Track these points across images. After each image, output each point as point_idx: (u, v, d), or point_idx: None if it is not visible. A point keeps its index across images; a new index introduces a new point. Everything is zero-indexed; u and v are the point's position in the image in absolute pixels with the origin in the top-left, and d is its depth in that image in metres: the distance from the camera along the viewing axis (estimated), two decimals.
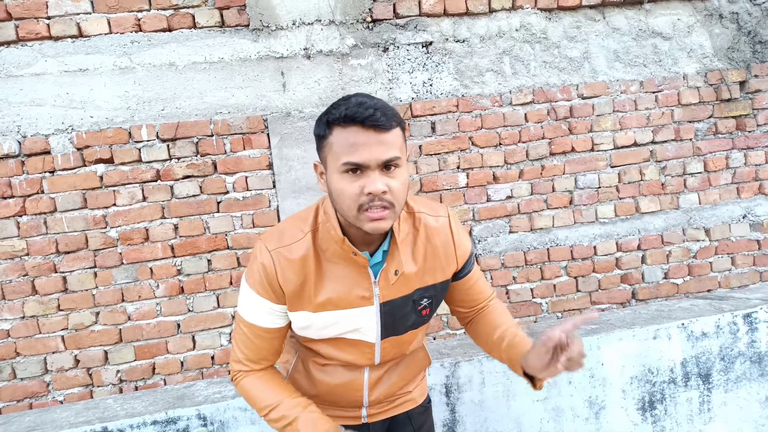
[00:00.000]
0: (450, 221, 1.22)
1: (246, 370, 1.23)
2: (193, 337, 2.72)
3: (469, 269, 1.29)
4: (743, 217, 3.21)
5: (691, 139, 3.14)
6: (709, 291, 3.20)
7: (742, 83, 3.17)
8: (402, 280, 1.17)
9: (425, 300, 1.22)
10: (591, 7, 2.99)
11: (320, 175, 1.11)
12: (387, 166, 1.02)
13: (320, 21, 2.73)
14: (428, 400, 1.48)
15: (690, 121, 3.14)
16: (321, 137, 1.06)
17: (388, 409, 1.37)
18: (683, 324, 2.00)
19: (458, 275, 1.28)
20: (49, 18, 2.50)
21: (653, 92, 3.10)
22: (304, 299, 1.15)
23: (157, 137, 2.63)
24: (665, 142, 3.12)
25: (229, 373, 1.28)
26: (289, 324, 1.23)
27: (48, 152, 2.55)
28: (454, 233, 1.22)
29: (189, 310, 2.71)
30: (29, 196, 2.55)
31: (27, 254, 2.56)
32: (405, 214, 1.19)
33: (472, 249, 1.27)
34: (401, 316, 1.21)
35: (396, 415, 1.39)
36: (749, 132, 3.18)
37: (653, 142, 3.11)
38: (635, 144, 3.09)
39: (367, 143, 0.99)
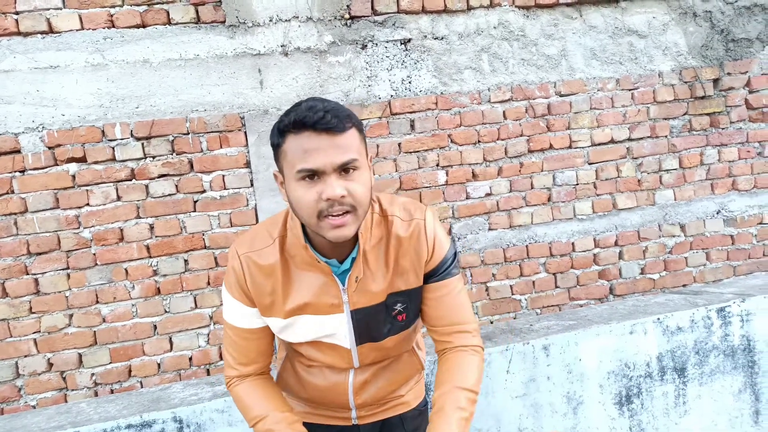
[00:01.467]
0: (425, 223, 1.16)
1: (239, 375, 1.22)
2: (170, 338, 2.68)
3: (441, 276, 1.19)
4: (717, 213, 3.27)
5: (666, 136, 3.19)
6: (684, 286, 3.25)
7: (715, 81, 3.22)
8: (371, 288, 1.14)
9: (399, 305, 1.18)
10: (568, 5, 3.01)
11: (280, 185, 1.08)
12: (345, 169, 0.98)
13: (297, 17, 2.70)
14: (424, 404, 1.44)
15: (665, 119, 3.18)
16: (276, 146, 1.03)
17: (378, 411, 1.34)
18: (659, 319, 2.03)
19: (430, 277, 1.19)
20: (17, 13, 2.44)
21: (629, 90, 3.13)
22: (274, 305, 1.14)
23: (132, 135, 2.58)
24: (641, 139, 3.16)
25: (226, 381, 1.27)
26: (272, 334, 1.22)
27: (18, 151, 2.49)
28: (428, 234, 1.15)
29: (165, 311, 2.67)
30: None
31: None
32: (378, 217, 1.16)
33: (448, 254, 1.19)
34: (376, 323, 1.18)
35: (388, 417, 1.36)
36: (723, 129, 3.24)
37: (630, 139, 3.15)
38: (612, 141, 3.12)
39: (321, 147, 0.96)
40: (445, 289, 1.20)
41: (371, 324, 1.17)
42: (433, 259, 1.17)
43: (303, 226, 1.10)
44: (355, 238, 1.11)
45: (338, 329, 1.17)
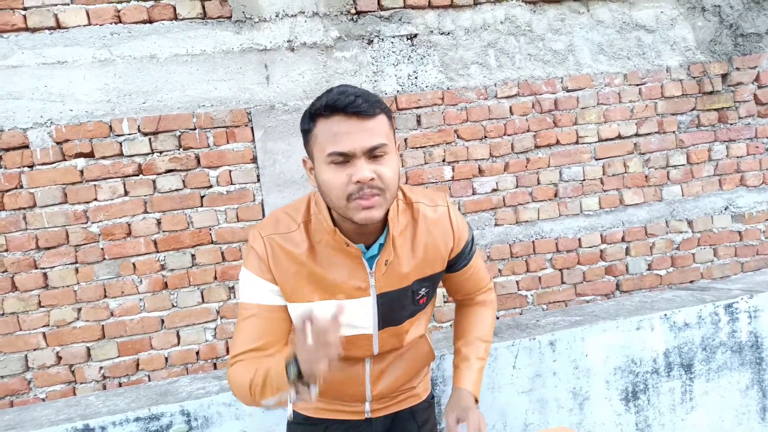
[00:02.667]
0: (449, 210, 1.22)
1: (240, 359, 1.13)
2: (178, 332, 2.70)
3: (465, 261, 1.28)
4: (725, 209, 3.25)
5: (674, 132, 3.17)
6: (691, 282, 3.24)
7: (724, 76, 3.19)
8: (399, 272, 1.16)
9: (423, 290, 1.22)
10: None
11: (309, 170, 1.10)
12: (374, 154, 1.00)
13: (304, 13, 2.70)
14: (432, 396, 1.48)
15: (673, 114, 3.16)
16: (306, 131, 1.06)
17: (391, 404, 1.36)
18: (666, 315, 2.03)
19: (454, 267, 1.28)
20: (25, 9, 2.45)
21: (637, 85, 3.11)
22: (297, 289, 1.14)
23: (139, 131, 2.59)
24: (649, 134, 3.14)
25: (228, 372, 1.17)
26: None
27: (26, 146, 2.50)
28: (453, 223, 1.21)
29: (173, 306, 2.68)
30: (7, 191, 2.50)
31: (6, 250, 2.51)
32: (403, 205, 1.19)
33: (469, 238, 1.26)
34: (399, 308, 1.20)
35: (399, 410, 1.38)
36: (731, 124, 3.22)
37: (637, 135, 3.13)
38: (619, 136, 3.11)
39: (351, 131, 0.98)
40: (469, 271, 1.31)
41: (395, 307, 1.20)
42: (458, 246, 1.24)
43: (329, 212, 1.11)
44: (382, 224, 1.13)
45: (362, 314, 1.18)
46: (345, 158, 0.99)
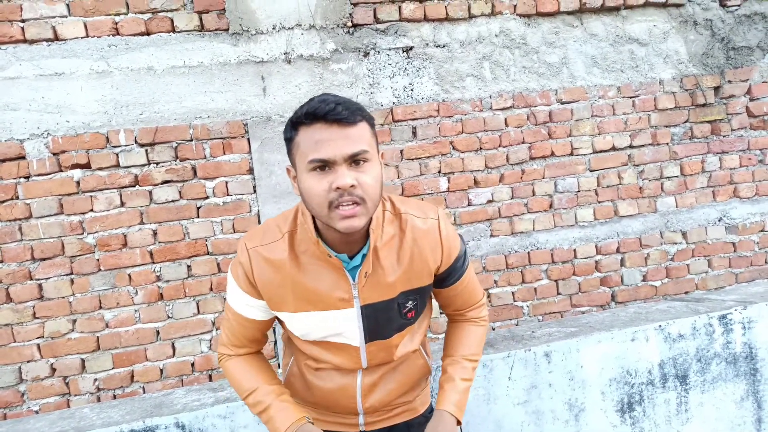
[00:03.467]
0: (440, 223, 1.20)
1: (230, 354, 1.28)
2: (173, 344, 2.69)
3: (456, 277, 1.26)
4: (719, 220, 3.27)
5: (667, 144, 3.20)
6: (686, 293, 3.25)
7: (716, 88, 3.23)
8: (384, 283, 1.16)
9: (410, 302, 1.21)
10: (569, 13, 3.03)
11: (293, 179, 1.11)
12: (355, 161, 1.01)
13: (300, 25, 2.72)
14: (430, 410, 1.44)
15: (666, 126, 3.19)
16: (289, 140, 1.07)
17: (386, 417, 1.34)
18: (660, 326, 2.03)
19: (444, 282, 1.26)
20: (23, 21, 2.46)
21: (630, 97, 3.14)
22: (282, 299, 1.16)
23: (136, 142, 2.60)
24: (642, 146, 3.17)
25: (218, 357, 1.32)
26: (273, 319, 1.26)
27: (23, 157, 2.51)
28: (442, 235, 1.19)
29: (168, 317, 2.68)
30: (3, 202, 2.50)
31: (1, 261, 2.51)
32: (391, 215, 1.18)
33: (460, 253, 1.24)
34: (385, 320, 1.19)
35: (395, 424, 1.36)
36: (724, 136, 3.25)
37: (631, 147, 3.16)
38: (613, 148, 3.13)
39: (332, 138, 0.99)
40: (461, 287, 1.29)
41: (381, 320, 1.19)
42: (447, 260, 1.22)
43: (314, 222, 1.12)
44: (365, 234, 1.13)
45: (347, 325, 1.18)
46: (326, 165, 1.00)
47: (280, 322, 1.26)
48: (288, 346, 1.38)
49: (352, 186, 0.99)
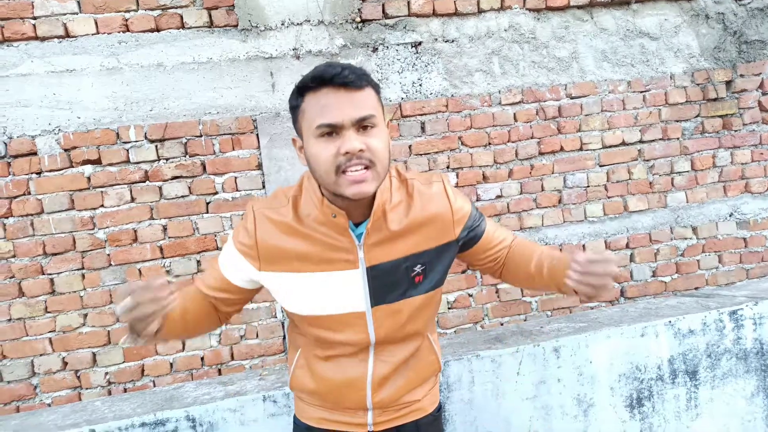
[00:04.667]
0: (444, 186, 1.20)
1: (198, 285, 1.24)
2: None
3: (480, 232, 1.26)
4: (730, 216, 3.24)
5: (678, 138, 3.17)
6: (696, 289, 3.23)
7: (728, 83, 3.20)
8: (391, 244, 1.15)
9: (419, 266, 1.19)
10: (579, 7, 3.00)
11: (299, 149, 1.10)
12: (363, 126, 1.01)
13: (309, 21, 2.73)
14: (438, 409, 1.42)
15: (677, 121, 3.17)
16: (295, 107, 1.06)
17: (395, 417, 1.31)
18: (670, 321, 2.02)
19: (471, 241, 1.25)
20: (35, 18, 2.48)
21: (641, 92, 3.12)
22: (284, 260, 1.15)
23: (146, 138, 2.62)
24: (653, 141, 3.15)
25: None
26: (245, 298, 1.26)
27: (35, 153, 2.53)
28: (450, 198, 1.19)
29: None
30: (16, 197, 2.52)
31: (14, 256, 2.54)
32: (397, 182, 1.19)
33: (472, 212, 1.24)
34: (392, 283, 1.17)
35: (403, 424, 1.33)
36: (735, 131, 3.22)
37: (641, 141, 3.14)
38: (623, 143, 3.11)
39: (339, 103, 0.99)
40: (488, 241, 1.28)
41: (386, 282, 1.17)
42: (459, 221, 1.21)
43: (321, 190, 1.11)
44: (371, 203, 1.12)
45: (352, 287, 1.16)
46: (333, 130, 0.99)
47: (286, 311, 1.25)
48: (293, 340, 1.37)
49: (361, 150, 0.99)
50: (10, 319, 2.55)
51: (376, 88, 1.07)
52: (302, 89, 1.03)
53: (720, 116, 3.21)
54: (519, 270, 1.32)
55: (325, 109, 0.99)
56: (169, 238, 2.67)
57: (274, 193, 1.22)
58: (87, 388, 2.63)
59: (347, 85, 0.99)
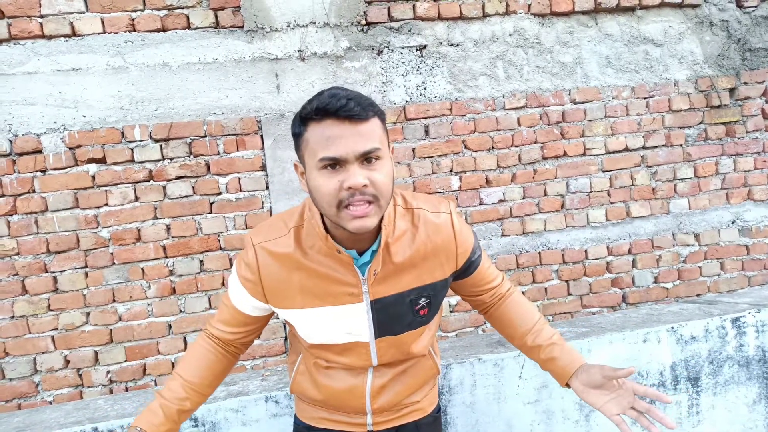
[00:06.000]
0: (452, 218, 1.18)
1: (212, 334, 1.26)
2: (185, 338, 2.71)
3: (475, 266, 1.25)
4: (732, 223, 3.25)
5: (681, 145, 3.18)
6: (698, 295, 3.23)
7: (731, 90, 3.20)
8: (395, 278, 1.14)
9: (423, 300, 1.18)
10: (584, 13, 3.01)
11: (301, 175, 1.08)
12: (367, 158, 0.97)
13: (315, 23, 2.74)
14: (437, 410, 1.42)
15: (680, 127, 3.17)
16: (297, 135, 1.03)
17: (394, 418, 1.32)
18: (673, 328, 2.02)
19: (465, 273, 1.25)
20: (42, 17, 2.49)
21: (644, 98, 3.13)
22: (289, 295, 1.14)
23: (150, 137, 2.62)
24: (656, 147, 3.15)
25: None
26: (263, 321, 1.26)
27: (40, 151, 2.54)
28: (456, 230, 1.17)
29: (181, 311, 2.70)
30: (20, 195, 2.53)
31: (17, 254, 2.54)
32: (402, 210, 1.16)
33: (475, 245, 1.23)
34: (396, 315, 1.17)
35: (403, 424, 1.34)
36: (738, 138, 3.22)
37: (644, 148, 3.14)
38: (626, 149, 3.12)
39: (343, 135, 0.95)
40: (479, 276, 1.28)
41: (391, 315, 1.17)
42: (463, 254, 1.20)
43: (322, 218, 1.09)
44: (376, 230, 1.10)
45: (357, 320, 1.16)
46: (337, 163, 0.96)
47: (289, 325, 1.26)
48: (295, 345, 1.38)
49: (365, 186, 0.96)
50: (13, 317, 2.55)
51: (382, 116, 1.03)
52: (305, 119, 1.00)
53: (723, 123, 3.21)
54: (508, 328, 1.34)
55: (329, 141, 0.96)
56: (172, 237, 2.67)
57: (272, 220, 1.18)
58: (89, 387, 2.64)
59: (352, 117, 0.95)
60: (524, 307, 1.32)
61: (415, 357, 1.27)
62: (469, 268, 1.24)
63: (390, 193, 1.03)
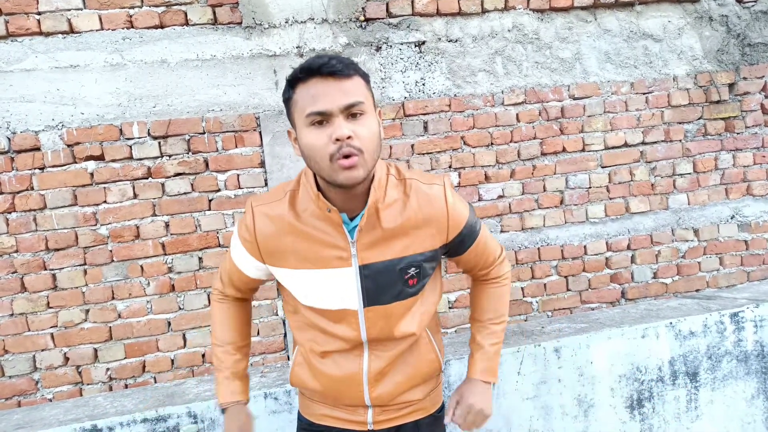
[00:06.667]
0: (445, 190, 1.20)
1: (222, 292, 1.39)
2: (184, 335, 2.71)
3: (469, 244, 1.27)
4: (731, 218, 3.25)
5: (680, 140, 3.17)
6: (697, 290, 3.23)
7: (731, 85, 3.20)
8: (384, 244, 1.16)
9: (413, 269, 1.20)
10: (583, 8, 3.01)
11: (294, 141, 1.14)
12: (352, 114, 1.04)
13: (313, 19, 2.73)
14: (440, 409, 1.43)
15: (680, 123, 3.17)
16: (287, 100, 1.10)
17: (395, 417, 1.33)
18: (671, 323, 2.03)
19: (458, 250, 1.27)
20: (39, 13, 2.49)
21: (644, 93, 3.12)
22: (282, 255, 1.19)
23: (149, 134, 2.62)
24: (655, 143, 3.15)
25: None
26: (260, 283, 1.36)
27: (38, 149, 2.53)
28: (448, 202, 1.19)
29: (180, 308, 2.70)
30: (18, 192, 2.53)
31: (16, 251, 2.54)
32: (395, 180, 1.19)
33: (469, 221, 1.24)
34: (385, 284, 1.18)
35: (403, 423, 1.34)
36: (738, 134, 3.22)
37: (643, 143, 3.14)
38: (625, 144, 3.12)
39: (327, 91, 1.02)
40: (476, 250, 1.30)
41: (380, 283, 1.18)
42: (455, 228, 1.22)
43: (317, 182, 1.15)
44: (366, 195, 1.14)
45: (346, 286, 1.18)
46: (324, 117, 1.03)
47: (283, 290, 1.29)
48: (294, 335, 1.38)
49: (349, 137, 1.01)
50: (12, 314, 2.55)
51: (365, 77, 1.10)
52: (293, 81, 1.07)
53: (722, 119, 3.21)
54: (472, 305, 1.45)
55: (314, 97, 1.03)
56: (171, 234, 2.67)
57: (275, 187, 1.25)
58: (88, 384, 2.64)
59: (335, 73, 1.02)
60: (494, 301, 1.39)
61: (405, 337, 1.26)
62: (461, 244, 1.26)
63: (376, 148, 1.08)
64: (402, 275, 1.19)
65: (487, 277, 1.38)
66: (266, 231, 1.19)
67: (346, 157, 1.02)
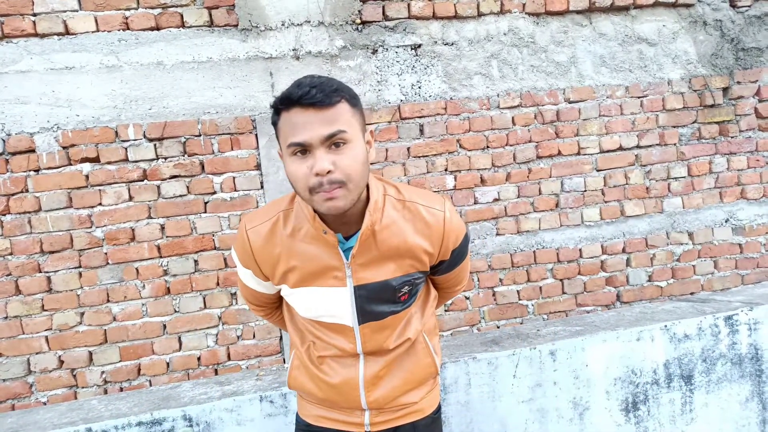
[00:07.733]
0: (445, 216, 1.20)
1: (257, 309, 1.42)
2: (179, 338, 2.70)
3: (458, 263, 1.29)
4: (726, 221, 3.26)
5: (675, 144, 3.19)
6: (692, 294, 3.25)
7: (725, 89, 3.22)
8: (379, 266, 1.17)
9: (406, 287, 1.21)
10: (578, 12, 3.02)
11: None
12: (335, 143, 1.02)
13: (309, 22, 2.73)
14: (437, 410, 1.43)
15: (674, 126, 3.18)
16: (274, 124, 1.09)
17: (392, 418, 1.33)
18: (666, 326, 2.04)
19: (447, 269, 1.28)
20: (35, 15, 2.48)
21: (638, 97, 3.14)
22: (281, 275, 1.20)
23: (144, 137, 2.61)
24: (650, 146, 3.17)
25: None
26: (278, 291, 1.33)
27: (33, 151, 2.52)
28: (446, 229, 1.19)
29: (175, 311, 2.69)
30: (13, 194, 2.52)
31: (11, 254, 2.53)
32: (394, 200, 1.19)
33: (464, 241, 1.25)
34: (379, 302, 1.20)
35: (401, 425, 1.35)
36: (732, 137, 3.24)
37: (638, 147, 3.15)
38: (621, 148, 3.13)
39: (308, 122, 1.00)
40: (462, 267, 1.33)
41: (374, 301, 1.20)
42: (445, 253, 1.23)
43: None
44: (361, 215, 1.14)
45: (341, 305, 1.19)
46: (304, 148, 1.01)
47: (286, 304, 1.32)
48: (291, 339, 1.39)
49: (329, 172, 1.00)
50: (6, 317, 2.54)
51: (352, 101, 1.07)
52: (276, 109, 1.06)
53: (717, 123, 3.23)
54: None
55: (295, 128, 1.01)
56: (166, 237, 2.67)
57: (266, 205, 1.25)
58: (83, 387, 2.63)
59: (315, 104, 1.00)
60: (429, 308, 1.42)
61: (401, 343, 1.28)
62: (450, 265, 1.28)
63: (360, 176, 1.06)
64: (396, 293, 1.21)
65: (452, 291, 1.43)
66: (264, 252, 1.19)
67: (327, 190, 1.02)
